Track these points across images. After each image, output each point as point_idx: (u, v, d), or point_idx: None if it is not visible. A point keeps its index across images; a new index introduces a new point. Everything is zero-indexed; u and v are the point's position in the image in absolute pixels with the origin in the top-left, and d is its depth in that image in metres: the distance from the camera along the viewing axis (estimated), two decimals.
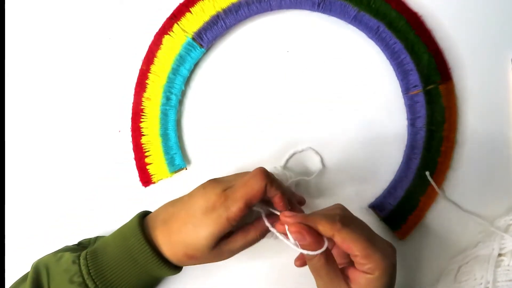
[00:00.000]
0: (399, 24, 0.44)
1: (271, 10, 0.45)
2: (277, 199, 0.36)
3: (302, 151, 0.45)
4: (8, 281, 0.44)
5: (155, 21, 0.45)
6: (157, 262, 0.37)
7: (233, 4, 0.44)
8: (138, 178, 0.45)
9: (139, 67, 0.45)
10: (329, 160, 0.45)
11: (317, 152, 0.45)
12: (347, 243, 0.33)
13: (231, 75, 0.46)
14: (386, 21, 0.44)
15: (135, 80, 0.45)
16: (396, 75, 0.45)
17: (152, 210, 0.41)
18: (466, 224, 0.45)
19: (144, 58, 0.45)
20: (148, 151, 0.45)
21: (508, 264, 0.38)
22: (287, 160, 0.45)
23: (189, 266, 0.40)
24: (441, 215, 0.45)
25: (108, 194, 0.45)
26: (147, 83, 0.45)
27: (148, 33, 0.45)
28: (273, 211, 0.38)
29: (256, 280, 0.45)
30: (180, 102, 0.46)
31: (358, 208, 0.45)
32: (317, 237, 0.33)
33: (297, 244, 0.34)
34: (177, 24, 0.44)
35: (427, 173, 0.44)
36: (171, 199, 0.40)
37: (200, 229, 0.35)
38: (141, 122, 0.45)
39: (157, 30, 0.45)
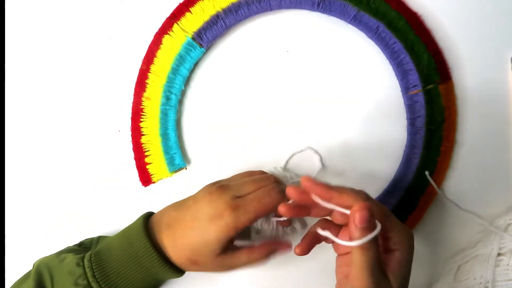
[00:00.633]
0: (398, 24, 0.44)
1: (271, 10, 0.45)
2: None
3: (301, 151, 0.45)
4: (8, 281, 0.44)
5: (155, 21, 0.45)
6: (163, 265, 0.36)
7: (233, 4, 0.44)
8: (138, 178, 0.45)
9: (139, 67, 0.45)
10: (329, 160, 0.45)
11: (316, 152, 0.45)
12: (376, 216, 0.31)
13: (231, 75, 0.46)
14: (386, 21, 0.44)
15: (135, 80, 0.45)
16: (396, 75, 0.45)
17: (152, 210, 0.41)
18: (466, 224, 0.45)
19: (144, 58, 0.45)
20: (148, 150, 0.45)
21: (508, 263, 0.39)
22: (287, 161, 0.45)
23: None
24: (440, 215, 0.45)
25: (108, 194, 0.45)
26: (147, 83, 0.45)
27: (148, 33, 0.45)
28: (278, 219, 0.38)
29: (256, 281, 0.45)
30: (180, 102, 0.46)
31: None
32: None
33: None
34: (177, 24, 0.44)
35: (427, 172, 0.44)
36: (171, 199, 0.40)
37: (206, 235, 0.35)
38: (141, 121, 0.45)
39: (157, 30, 0.45)
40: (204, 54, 0.45)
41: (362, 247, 0.30)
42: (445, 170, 0.45)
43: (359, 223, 0.30)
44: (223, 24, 0.44)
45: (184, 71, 0.45)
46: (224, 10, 0.44)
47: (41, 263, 0.37)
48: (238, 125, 0.46)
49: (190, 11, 0.44)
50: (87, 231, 0.44)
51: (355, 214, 0.30)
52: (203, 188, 0.38)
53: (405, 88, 0.44)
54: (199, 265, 0.37)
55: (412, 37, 0.44)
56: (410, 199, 0.44)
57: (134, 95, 0.45)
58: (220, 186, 0.37)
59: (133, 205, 0.45)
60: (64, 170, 0.46)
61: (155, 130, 0.45)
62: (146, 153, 0.45)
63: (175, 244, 0.37)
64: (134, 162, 0.45)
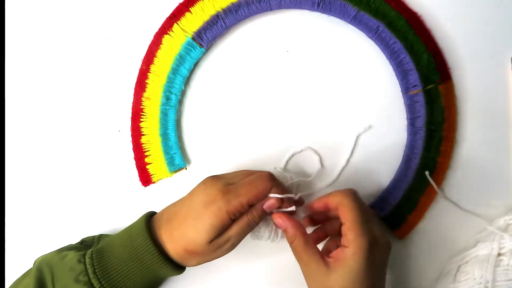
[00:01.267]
0: (398, 24, 0.44)
1: (271, 10, 0.45)
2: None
3: (301, 151, 0.45)
4: (8, 280, 0.44)
5: (155, 21, 0.45)
6: (162, 262, 0.37)
7: (233, 4, 0.44)
8: (138, 178, 0.45)
9: (139, 67, 0.45)
10: (329, 160, 0.45)
11: (316, 152, 0.45)
12: (346, 208, 0.36)
13: (231, 75, 0.46)
14: (386, 21, 0.44)
15: (135, 80, 0.45)
16: (396, 74, 0.45)
17: (152, 210, 0.41)
18: (466, 224, 0.45)
19: (144, 58, 0.45)
20: (148, 150, 0.45)
21: (508, 263, 0.39)
22: (287, 162, 0.45)
23: (192, 267, 0.39)
24: (440, 215, 0.45)
25: (108, 194, 0.45)
26: (147, 83, 0.45)
27: (148, 33, 0.45)
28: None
29: (256, 281, 0.45)
30: (180, 102, 0.46)
31: None
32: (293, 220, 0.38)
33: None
34: (177, 24, 0.44)
35: (427, 172, 0.44)
36: (171, 199, 0.40)
37: (199, 222, 0.36)
38: (141, 121, 0.45)
39: (157, 30, 0.45)
40: (204, 54, 0.45)
41: (288, 241, 0.38)
42: (445, 170, 0.45)
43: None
44: (223, 24, 0.44)
45: (184, 71, 0.45)
46: (224, 10, 0.44)
47: (42, 260, 0.38)
48: (238, 125, 0.46)
49: (190, 11, 0.44)
50: (87, 231, 0.44)
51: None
52: (199, 182, 0.39)
53: (405, 88, 0.44)
54: (197, 254, 0.37)
55: (412, 37, 0.44)
56: (410, 199, 0.44)
57: (134, 95, 0.45)
58: (213, 176, 0.39)
59: (133, 205, 0.45)
60: (64, 170, 0.46)
61: (155, 130, 0.45)
62: (146, 153, 0.45)
63: (172, 237, 0.37)
64: (134, 162, 0.45)
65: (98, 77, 0.46)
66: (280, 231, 0.41)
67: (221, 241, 0.37)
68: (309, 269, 0.36)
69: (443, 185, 0.45)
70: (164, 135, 0.45)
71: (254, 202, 0.37)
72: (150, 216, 0.40)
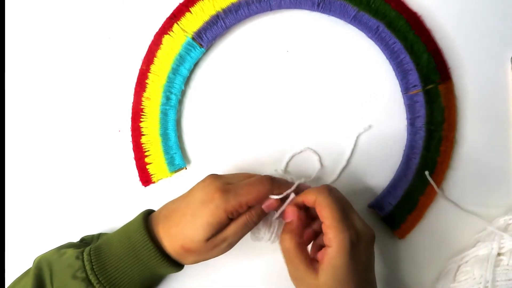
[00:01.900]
0: (398, 24, 0.44)
1: (271, 10, 0.45)
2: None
3: (301, 152, 0.45)
4: (8, 280, 0.44)
5: (155, 21, 0.45)
6: (159, 258, 0.37)
7: (233, 4, 0.44)
8: (138, 178, 0.45)
9: (139, 67, 0.45)
10: (329, 160, 0.45)
11: (315, 152, 0.45)
12: (322, 206, 0.35)
13: (231, 75, 0.46)
14: (386, 21, 0.44)
15: (135, 80, 0.45)
16: (396, 74, 0.45)
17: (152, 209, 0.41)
18: (465, 224, 0.45)
19: (144, 58, 0.45)
20: (148, 150, 0.45)
21: (507, 263, 0.39)
22: (287, 163, 0.45)
23: (190, 265, 0.40)
24: (440, 215, 0.45)
25: (108, 193, 0.45)
26: (147, 83, 0.45)
27: (148, 33, 0.45)
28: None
29: (255, 279, 0.45)
30: (180, 102, 0.46)
31: (358, 207, 0.45)
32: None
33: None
34: (177, 24, 0.44)
35: (427, 172, 0.44)
36: (171, 199, 0.40)
37: (197, 219, 0.36)
38: (141, 121, 0.45)
39: (157, 30, 0.45)
40: (204, 54, 0.45)
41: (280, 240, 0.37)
42: (445, 170, 0.45)
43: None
44: (223, 24, 0.44)
45: (184, 71, 0.45)
46: (224, 10, 0.44)
47: (41, 258, 0.38)
48: (238, 125, 0.46)
49: (190, 11, 0.44)
50: (87, 230, 0.44)
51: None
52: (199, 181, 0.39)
53: (405, 88, 0.44)
54: (194, 252, 0.37)
55: (412, 37, 0.44)
56: (410, 199, 0.44)
57: (134, 95, 0.45)
58: (213, 175, 0.39)
59: (133, 205, 0.45)
60: (64, 169, 0.46)
61: (155, 130, 0.45)
62: (146, 153, 0.45)
63: (169, 233, 0.37)
64: (134, 162, 0.45)
65: (98, 77, 0.46)
66: (280, 233, 0.40)
67: (218, 240, 0.36)
68: (298, 272, 0.36)
69: (443, 185, 0.45)
70: (164, 135, 0.45)
71: (253, 203, 0.37)
72: (148, 213, 0.40)
